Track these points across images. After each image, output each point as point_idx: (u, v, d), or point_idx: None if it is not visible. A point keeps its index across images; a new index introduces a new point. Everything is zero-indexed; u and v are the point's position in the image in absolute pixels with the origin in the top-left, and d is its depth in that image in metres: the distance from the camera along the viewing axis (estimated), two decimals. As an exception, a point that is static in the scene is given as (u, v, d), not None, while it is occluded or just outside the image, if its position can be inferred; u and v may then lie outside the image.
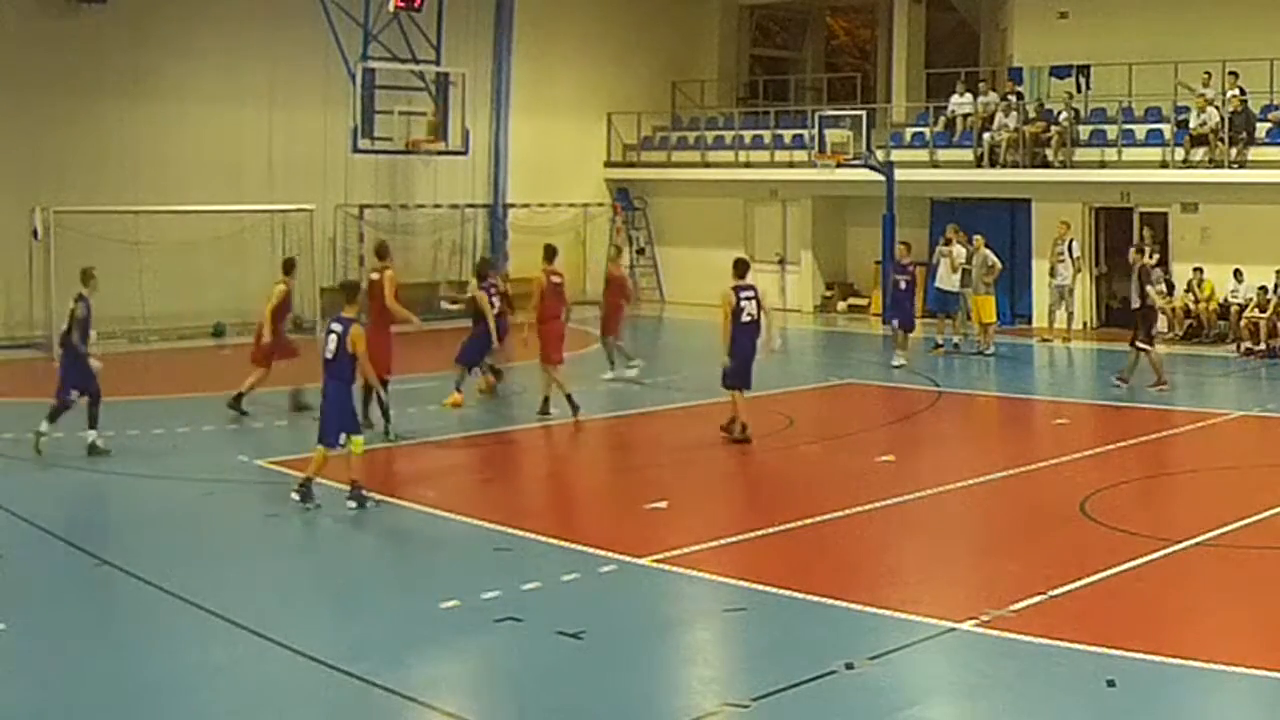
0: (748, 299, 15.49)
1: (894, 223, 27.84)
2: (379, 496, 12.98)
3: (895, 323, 22.15)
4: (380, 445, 15.90)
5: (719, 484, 14.45)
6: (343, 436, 12.50)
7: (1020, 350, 24.47)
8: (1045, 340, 25.19)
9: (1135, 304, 19.83)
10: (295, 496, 12.55)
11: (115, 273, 24.13)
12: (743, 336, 15.49)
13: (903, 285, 21.95)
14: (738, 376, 15.56)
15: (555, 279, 17.84)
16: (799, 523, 12.05)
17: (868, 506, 12.74)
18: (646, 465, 15.22)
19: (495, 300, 18.01)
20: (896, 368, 21.43)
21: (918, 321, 23.41)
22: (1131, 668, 8.33)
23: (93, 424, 14.86)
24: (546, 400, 17.39)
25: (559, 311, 17.80)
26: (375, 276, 16.18)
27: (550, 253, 18.20)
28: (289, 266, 17.87)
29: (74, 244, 23.41)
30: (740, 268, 15.88)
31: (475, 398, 18.22)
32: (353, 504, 12.58)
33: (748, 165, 31.21)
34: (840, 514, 12.51)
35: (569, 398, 17.23)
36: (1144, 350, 19.57)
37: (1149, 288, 19.86)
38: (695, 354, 24.50)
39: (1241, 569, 10.76)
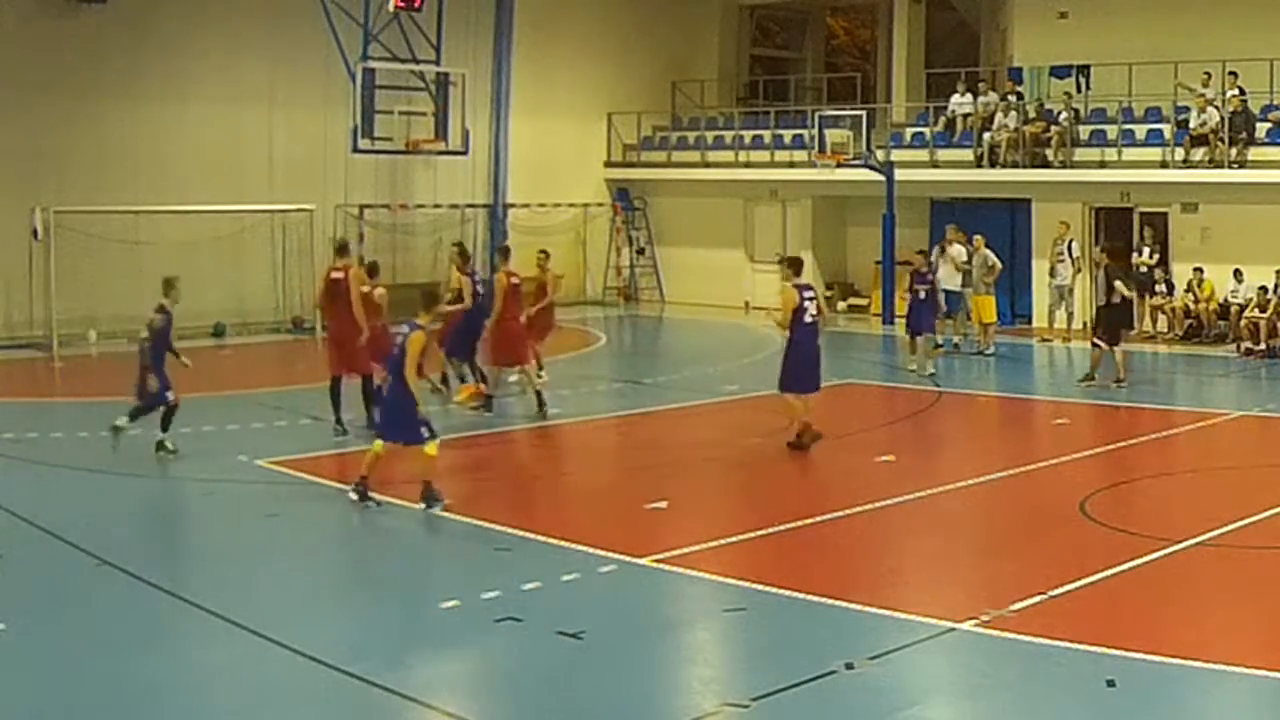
0: (810, 299, 15.02)
1: (894, 223, 27.90)
2: (380, 497, 12.99)
3: (914, 334, 21.34)
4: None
5: (719, 484, 14.44)
6: (424, 430, 12.42)
7: (1020, 350, 24.47)
8: (1045, 340, 25.19)
9: (1100, 301, 20.02)
10: (420, 504, 12.45)
11: (115, 273, 24.32)
12: (807, 338, 15.02)
13: (922, 295, 21.41)
14: (800, 380, 15.08)
15: (514, 280, 17.79)
16: (799, 523, 12.05)
17: (868, 506, 12.73)
18: (646, 465, 15.21)
19: (478, 289, 17.96)
20: (929, 375, 20.80)
21: (904, 320, 23.22)
22: (1131, 668, 8.32)
23: (133, 418, 14.70)
24: (540, 396, 17.45)
25: (518, 312, 17.73)
26: (338, 275, 16.09)
27: (505, 253, 18.21)
28: (374, 270, 17.48)
29: (74, 244, 23.49)
30: (797, 266, 15.38)
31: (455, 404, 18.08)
32: (354, 496, 12.61)
33: (748, 165, 31.21)
34: (840, 514, 12.50)
35: (489, 398, 17.38)
36: (1097, 345, 19.72)
37: (1117, 282, 19.93)
38: (696, 354, 24.54)
39: (1241, 569, 10.75)
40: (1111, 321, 19.86)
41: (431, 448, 12.49)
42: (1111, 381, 19.55)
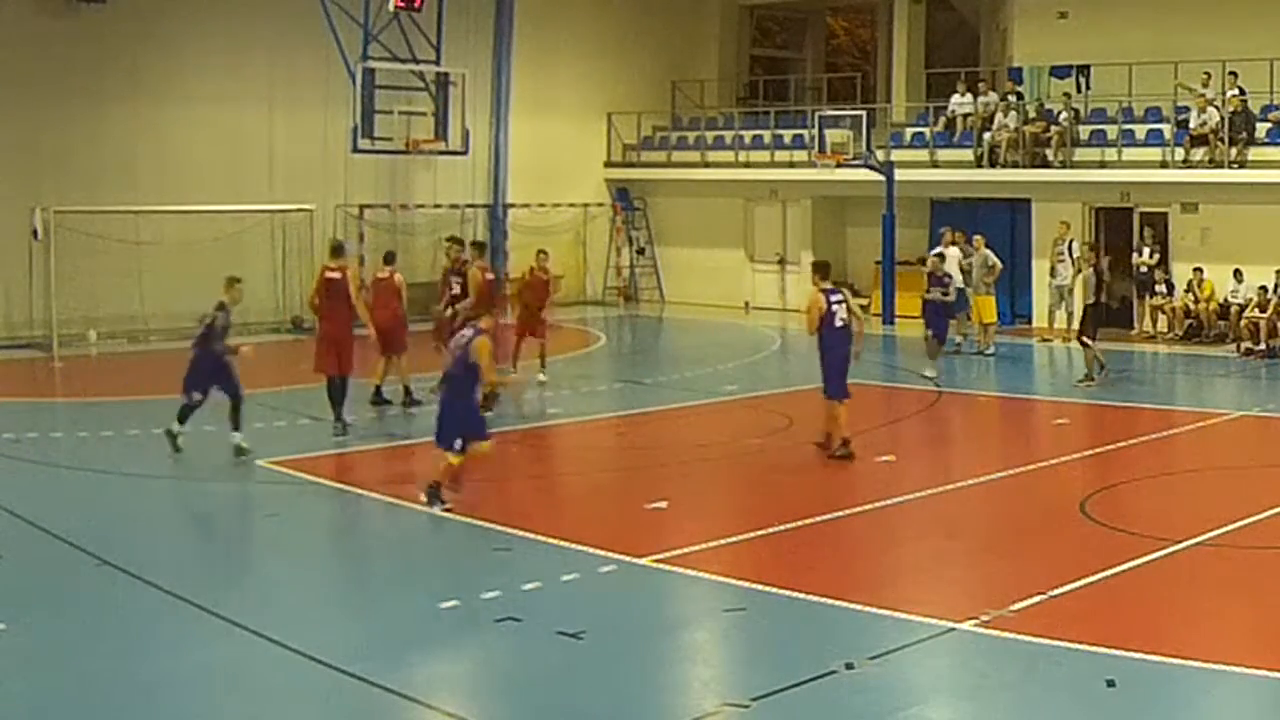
0: (838, 303, 14.76)
1: (894, 223, 27.90)
2: (378, 496, 13.01)
3: (931, 333, 21.19)
4: (382, 444, 15.96)
5: (719, 484, 14.44)
6: (458, 441, 12.39)
7: (1020, 350, 24.47)
8: (1045, 340, 25.19)
9: (1090, 300, 19.97)
10: (423, 498, 12.41)
11: (115, 273, 24.33)
12: (839, 343, 14.81)
13: (939, 298, 21.36)
14: (838, 386, 14.85)
15: (489, 275, 17.74)
16: (799, 523, 12.05)
17: (868, 506, 12.74)
18: (646, 465, 15.22)
19: (455, 284, 17.87)
20: (929, 376, 20.59)
21: (903, 320, 23.07)
22: (1131, 668, 8.33)
23: (236, 426, 14.64)
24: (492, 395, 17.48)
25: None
26: (334, 276, 16.10)
27: (483, 248, 18.11)
28: (391, 257, 18.04)
29: (74, 244, 23.48)
30: (825, 270, 15.13)
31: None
32: (424, 498, 12.47)
33: (748, 165, 31.20)
34: (840, 514, 12.51)
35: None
36: (1086, 345, 19.70)
37: (1105, 278, 19.96)
38: (696, 354, 24.53)
39: (1241, 569, 10.76)
40: (1097, 319, 19.88)
41: (455, 458, 12.44)
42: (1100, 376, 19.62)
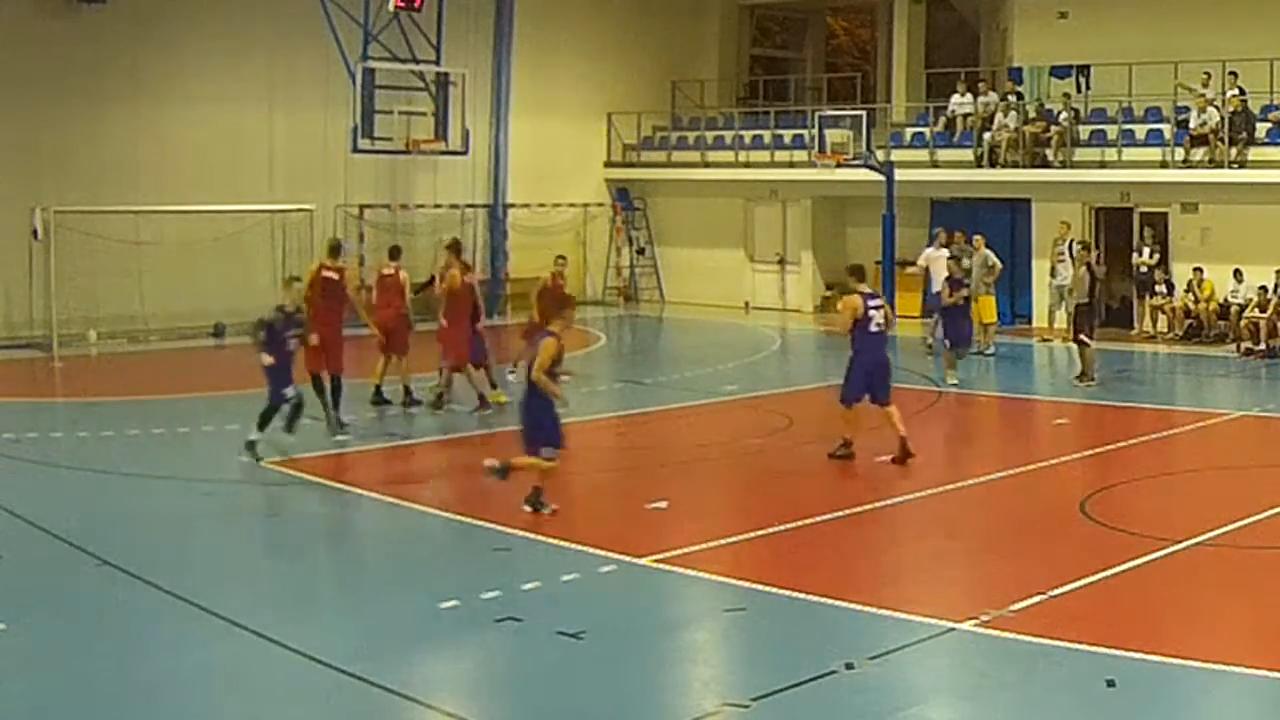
0: (875, 308, 14.48)
1: (894, 223, 27.86)
2: (378, 496, 13.00)
3: (947, 342, 20.61)
4: (382, 444, 15.95)
5: (719, 484, 14.44)
6: (546, 450, 12.17)
7: (1020, 350, 24.47)
8: (1045, 340, 25.19)
9: (1084, 300, 19.86)
10: (527, 508, 12.17)
11: (115, 273, 24.33)
12: (874, 348, 14.57)
13: (960, 302, 20.90)
14: (860, 391, 14.59)
15: (469, 278, 17.67)
16: (799, 523, 12.04)
17: (868, 506, 12.74)
18: (646, 465, 15.21)
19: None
20: (956, 384, 20.02)
21: (901, 320, 22.83)
22: (1131, 668, 8.33)
23: (260, 426, 14.48)
24: (483, 398, 17.37)
25: (466, 311, 17.52)
26: (332, 275, 16.06)
27: (459, 249, 18.02)
28: (396, 253, 18.57)
29: (74, 244, 23.47)
30: (860, 272, 14.89)
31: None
32: (529, 508, 12.23)
33: (748, 165, 31.20)
34: (840, 514, 12.50)
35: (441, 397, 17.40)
36: (1086, 345, 19.66)
37: (1098, 276, 19.95)
38: (696, 354, 24.53)
39: (1241, 569, 10.76)
40: (1093, 318, 19.89)
41: (545, 462, 12.17)
42: (1079, 378, 19.62)
